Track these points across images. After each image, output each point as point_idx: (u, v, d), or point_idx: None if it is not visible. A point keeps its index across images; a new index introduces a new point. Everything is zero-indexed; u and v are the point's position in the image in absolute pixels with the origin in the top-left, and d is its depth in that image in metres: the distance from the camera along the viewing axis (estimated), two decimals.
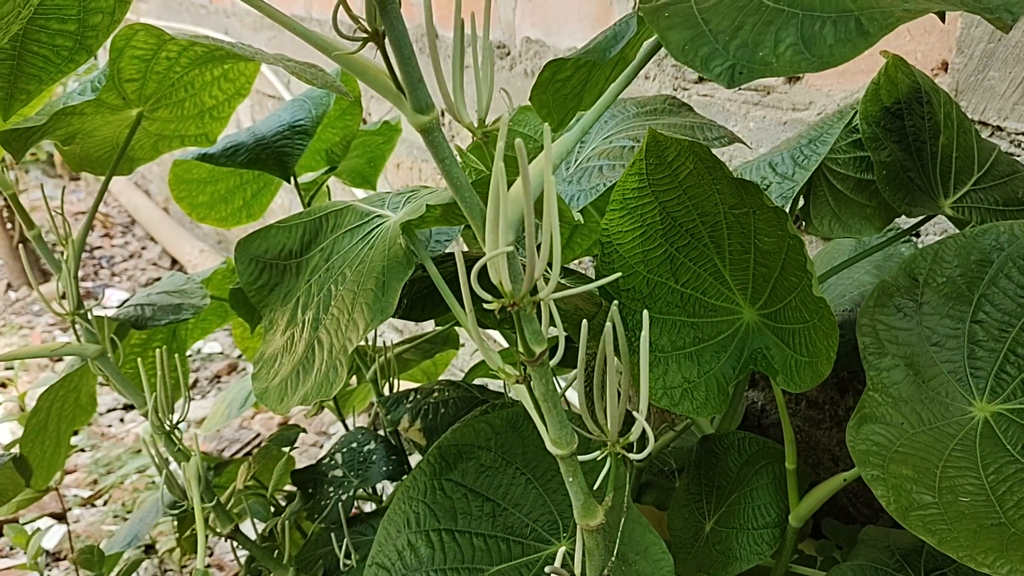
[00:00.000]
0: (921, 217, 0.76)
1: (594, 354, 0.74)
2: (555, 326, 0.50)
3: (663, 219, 0.71)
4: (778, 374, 0.68)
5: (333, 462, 1.17)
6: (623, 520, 0.67)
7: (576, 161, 0.95)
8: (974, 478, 0.59)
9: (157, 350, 0.85)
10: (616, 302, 0.52)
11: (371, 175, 1.40)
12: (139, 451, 2.17)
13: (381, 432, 1.20)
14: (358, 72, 0.45)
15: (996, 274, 0.65)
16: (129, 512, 2.01)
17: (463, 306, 0.46)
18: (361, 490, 1.12)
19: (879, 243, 0.78)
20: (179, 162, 1.08)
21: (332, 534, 0.96)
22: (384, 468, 1.14)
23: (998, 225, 0.66)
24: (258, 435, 2.37)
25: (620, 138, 0.91)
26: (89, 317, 0.86)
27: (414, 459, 1.22)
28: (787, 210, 0.77)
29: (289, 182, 1.03)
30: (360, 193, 1.85)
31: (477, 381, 1.35)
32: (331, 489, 1.13)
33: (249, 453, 2.41)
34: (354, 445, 1.19)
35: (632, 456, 0.53)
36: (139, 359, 0.89)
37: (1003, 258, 0.65)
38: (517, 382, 0.51)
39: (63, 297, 0.85)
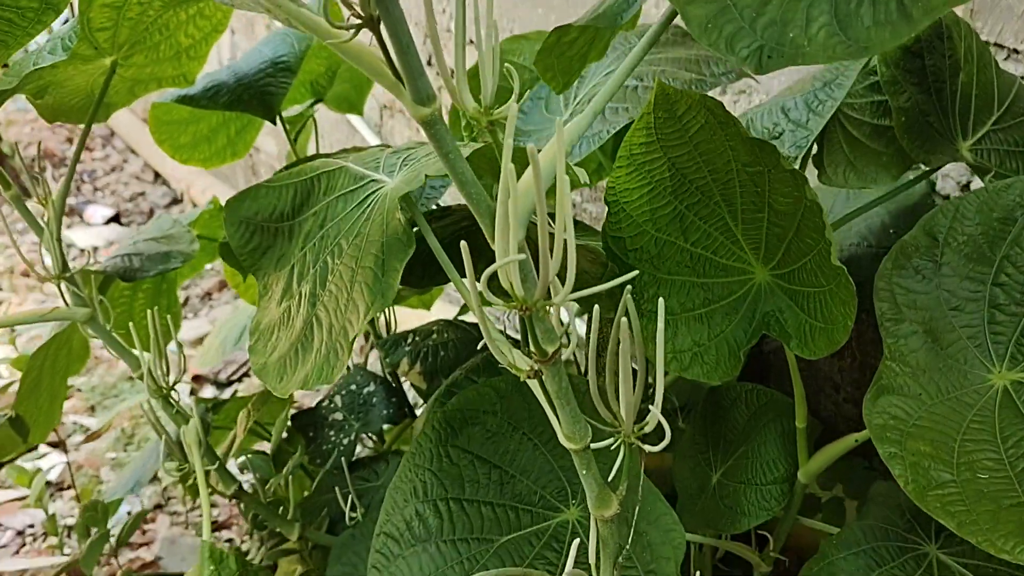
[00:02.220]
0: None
1: (605, 336, 0.72)
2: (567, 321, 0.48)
3: (672, 176, 0.67)
4: (792, 339, 0.66)
5: (332, 405, 1.16)
6: (631, 490, 0.66)
7: (576, 99, 0.90)
8: (993, 452, 0.57)
9: (149, 312, 0.82)
10: (629, 291, 0.49)
11: (358, 100, 1.34)
12: (131, 378, 2.16)
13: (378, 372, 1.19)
14: (354, 59, 0.42)
15: (1020, 233, 0.62)
16: (129, 441, 2.02)
17: (463, 274, 0.43)
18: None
19: (896, 188, 0.75)
20: (158, 105, 1.03)
21: (336, 487, 0.96)
22: (385, 411, 1.13)
23: (1017, 180, 0.63)
24: None
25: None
26: (76, 279, 0.83)
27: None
28: (801, 159, 0.73)
29: (275, 123, 0.99)
30: (356, 122, 1.79)
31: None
32: (332, 433, 1.12)
33: (246, 374, 2.41)
34: (353, 387, 1.18)
35: (647, 447, 0.51)
36: (130, 323, 0.86)
37: None
38: (529, 377, 0.49)
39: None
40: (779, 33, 0.39)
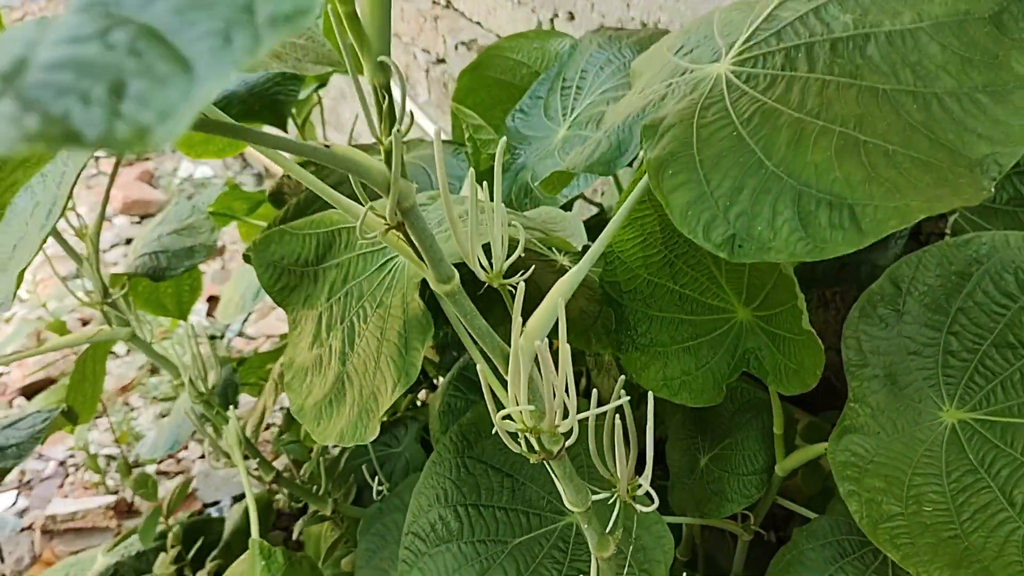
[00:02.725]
0: None
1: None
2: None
3: (663, 229, 0.74)
4: (769, 375, 0.74)
5: None
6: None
7: (575, 113, 0.95)
8: (937, 486, 0.67)
9: (186, 326, 0.90)
10: (621, 379, 0.57)
11: None
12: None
13: None
14: (392, 245, 0.48)
15: (973, 288, 0.69)
16: (154, 368, 2.13)
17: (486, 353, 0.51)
18: None
19: None
20: None
21: (360, 460, 1.06)
22: None
23: (980, 236, 0.70)
24: None
25: (617, 92, 0.91)
26: (117, 303, 0.90)
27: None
28: None
29: (285, 130, 1.04)
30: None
31: None
32: None
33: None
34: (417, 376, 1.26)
35: (639, 507, 0.60)
36: (167, 344, 0.94)
37: (981, 272, 0.69)
38: (541, 461, 0.58)
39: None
40: (748, 224, 0.46)
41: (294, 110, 1.14)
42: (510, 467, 0.83)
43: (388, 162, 0.42)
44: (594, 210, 1.20)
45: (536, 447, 0.55)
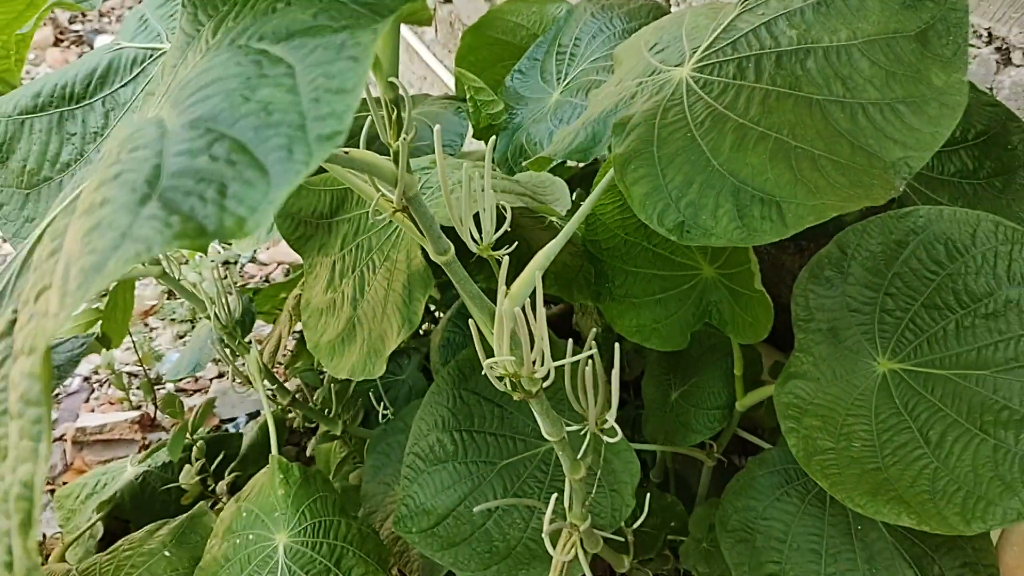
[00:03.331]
0: None
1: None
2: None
3: None
4: (728, 326, 0.84)
5: None
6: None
7: (568, 78, 1.03)
8: (866, 426, 0.77)
9: (211, 265, 1.00)
10: (594, 331, 0.68)
11: None
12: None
13: None
14: (398, 222, 0.58)
15: (909, 255, 0.79)
16: (170, 293, 2.23)
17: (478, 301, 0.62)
18: None
19: None
20: None
21: (368, 387, 1.18)
22: None
23: (918, 209, 0.79)
24: None
25: (606, 62, 0.99)
26: None
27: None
28: None
29: None
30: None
31: None
32: None
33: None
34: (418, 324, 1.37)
35: (606, 438, 0.71)
36: (186, 269, 1.04)
37: (916, 242, 0.78)
38: (522, 400, 0.68)
39: None
40: (695, 214, 0.55)
41: None
42: (500, 399, 0.94)
43: (396, 161, 0.51)
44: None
45: (518, 388, 0.66)
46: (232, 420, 1.78)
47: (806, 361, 0.80)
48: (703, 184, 0.56)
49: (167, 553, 1.02)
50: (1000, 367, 0.74)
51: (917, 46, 0.59)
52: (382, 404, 1.14)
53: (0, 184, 0.62)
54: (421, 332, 1.49)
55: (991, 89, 1.05)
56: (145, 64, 0.66)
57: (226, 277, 1.03)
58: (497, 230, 0.60)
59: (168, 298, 2.22)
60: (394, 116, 0.49)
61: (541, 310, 0.59)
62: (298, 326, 1.42)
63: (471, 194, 0.58)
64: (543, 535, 0.73)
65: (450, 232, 0.62)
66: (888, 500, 0.73)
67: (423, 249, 0.76)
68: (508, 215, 0.61)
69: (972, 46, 1.08)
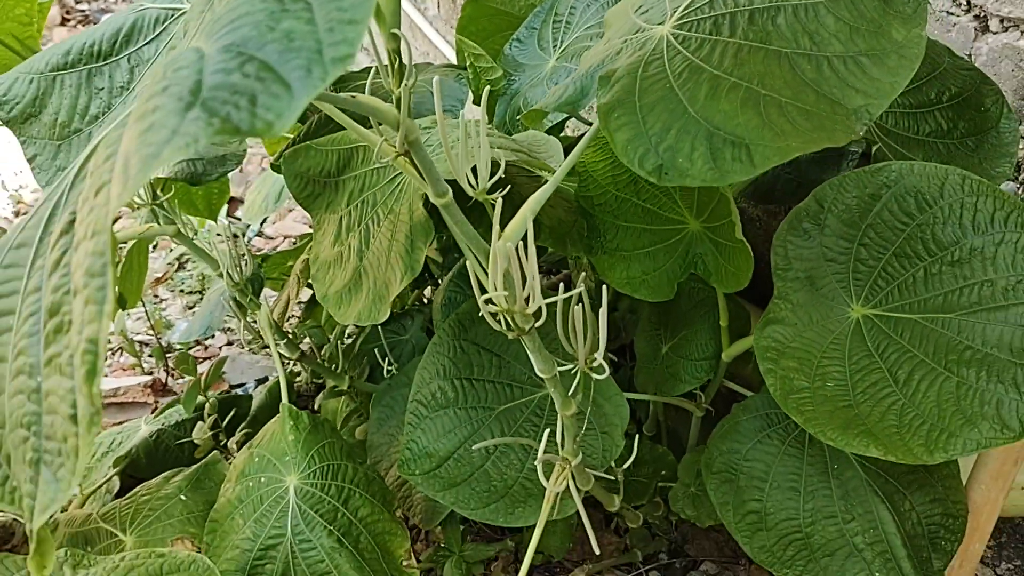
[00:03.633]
0: None
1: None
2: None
3: None
4: (712, 276, 0.90)
5: None
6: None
7: (563, 45, 1.08)
8: (840, 367, 0.83)
9: (220, 226, 1.05)
10: (583, 275, 0.73)
11: None
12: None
13: None
14: (400, 167, 0.63)
15: (882, 208, 0.84)
16: (182, 264, 2.29)
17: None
18: None
19: None
20: None
21: (373, 344, 1.23)
22: None
23: (891, 164, 0.84)
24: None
25: (599, 29, 1.04)
26: (164, 204, 1.05)
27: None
28: None
29: None
30: None
31: None
32: None
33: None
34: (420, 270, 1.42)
35: (595, 376, 0.76)
36: (209, 241, 1.09)
37: (889, 195, 0.83)
38: (516, 337, 0.73)
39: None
40: (672, 157, 0.60)
41: None
42: (498, 348, 0.99)
43: (399, 106, 0.56)
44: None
45: (512, 325, 0.71)
46: (241, 385, 1.83)
47: (784, 308, 0.85)
48: (680, 130, 0.61)
49: (183, 497, 1.08)
50: (964, 310, 0.80)
51: (879, 3, 0.63)
52: (386, 360, 1.19)
53: (34, 136, 0.67)
54: (424, 299, 1.54)
55: (970, 55, 1.10)
56: (167, 23, 0.71)
57: (236, 237, 1.08)
58: (492, 178, 0.65)
59: (177, 270, 2.27)
60: (396, 64, 0.54)
61: (532, 251, 0.64)
62: (307, 292, 1.48)
63: (468, 145, 0.63)
64: (535, 463, 0.78)
65: (454, 187, 0.67)
66: (857, 434, 0.78)
67: (424, 201, 0.81)
68: (502, 164, 0.66)
69: (952, 14, 1.12)
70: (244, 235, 2.41)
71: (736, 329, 1.02)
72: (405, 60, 0.53)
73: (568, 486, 0.83)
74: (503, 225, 0.66)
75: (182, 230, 1.07)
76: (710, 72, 0.62)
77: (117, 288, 1.23)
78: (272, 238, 2.45)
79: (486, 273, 0.70)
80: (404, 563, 1.00)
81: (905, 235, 0.83)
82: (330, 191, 0.95)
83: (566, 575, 1.26)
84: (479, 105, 1.12)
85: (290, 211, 2.55)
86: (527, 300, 0.67)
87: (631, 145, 0.61)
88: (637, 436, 1.22)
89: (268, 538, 0.96)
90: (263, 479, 1.00)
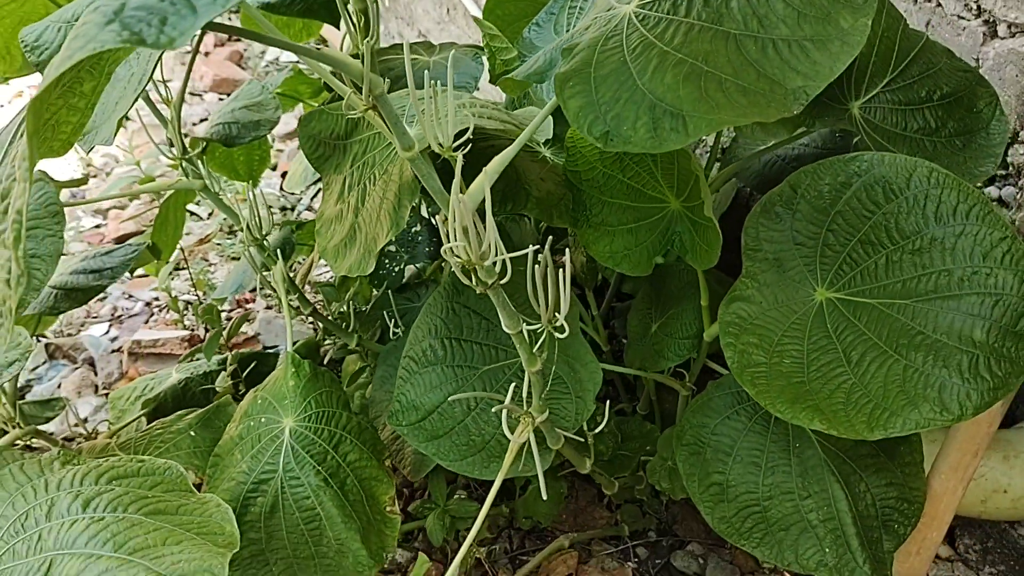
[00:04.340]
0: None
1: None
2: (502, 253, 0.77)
3: None
4: (688, 253, 0.94)
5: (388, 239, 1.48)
6: (571, 344, 0.97)
7: (574, 27, 1.13)
8: (798, 346, 0.86)
9: (247, 186, 1.13)
10: (549, 245, 0.78)
11: None
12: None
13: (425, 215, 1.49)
14: (369, 119, 0.69)
15: (851, 196, 0.87)
16: (231, 231, 2.40)
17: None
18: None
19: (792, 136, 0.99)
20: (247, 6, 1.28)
21: (385, 308, 1.30)
22: (428, 248, 1.45)
23: (863, 154, 0.87)
24: None
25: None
26: (193, 160, 1.13)
27: None
28: None
29: (337, 26, 1.24)
30: None
31: None
32: (387, 261, 1.45)
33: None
34: (405, 226, 1.49)
35: (556, 334, 0.81)
36: (238, 200, 1.17)
37: (859, 184, 0.87)
38: (482, 291, 0.79)
39: (171, 145, 1.12)
40: (618, 125, 0.65)
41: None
42: (488, 312, 1.04)
43: (364, 63, 0.62)
44: None
45: (476, 279, 0.77)
46: (274, 347, 1.92)
47: (751, 286, 0.89)
48: (627, 100, 0.66)
49: (192, 434, 1.16)
50: (920, 297, 0.82)
51: None
52: (393, 322, 1.26)
53: None
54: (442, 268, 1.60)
55: (977, 59, 1.12)
56: None
57: (258, 189, 1.15)
58: (461, 139, 0.71)
59: (229, 236, 2.38)
60: (361, 23, 0.60)
61: (489, 209, 0.69)
62: None
63: (435, 106, 0.69)
64: (494, 411, 0.83)
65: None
66: (805, 408, 0.82)
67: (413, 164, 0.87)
68: (470, 127, 0.71)
69: (962, 18, 1.14)
70: (294, 208, 2.51)
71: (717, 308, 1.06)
72: (370, 3, 0.59)
73: (531, 439, 0.88)
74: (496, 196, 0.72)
75: (209, 186, 1.15)
76: (660, 48, 0.67)
77: (151, 238, 1.32)
78: None
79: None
80: (387, 509, 1.07)
81: (871, 223, 0.86)
82: (339, 153, 1.02)
83: (551, 540, 1.30)
84: (494, 84, 1.18)
85: None
86: (486, 256, 0.73)
87: (582, 112, 0.67)
88: (630, 413, 1.27)
89: (261, 473, 1.03)
90: (263, 419, 1.07)
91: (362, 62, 0.62)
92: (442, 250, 0.72)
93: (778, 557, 0.93)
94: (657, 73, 0.65)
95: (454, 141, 0.71)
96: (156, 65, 0.72)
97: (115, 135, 0.80)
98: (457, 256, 0.73)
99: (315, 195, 2.66)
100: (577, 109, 0.67)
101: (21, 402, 1.36)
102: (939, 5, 1.15)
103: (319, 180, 2.70)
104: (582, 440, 1.01)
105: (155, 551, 0.62)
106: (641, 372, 1.12)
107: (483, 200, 0.71)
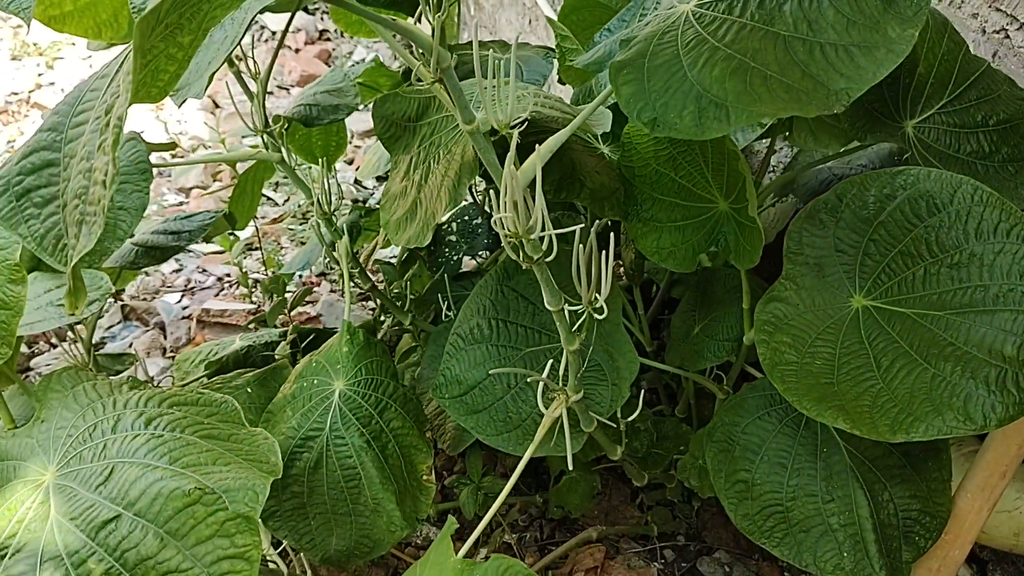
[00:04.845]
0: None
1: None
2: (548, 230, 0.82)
3: None
4: (731, 253, 0.97)
5: (449, 229, 1.55)
6: (611, 333, 1.01)
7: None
8: (831, 349, 0.88)
9: (320, 161, 1.20)
10: (595, 230, 0.82)
11: None
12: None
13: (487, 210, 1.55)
14: (436, 93, 0.74)
15: (895, 208, 0.89)
16: (304, 218, 2.50)
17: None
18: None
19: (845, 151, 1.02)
20: None
21: (440, 292, 1.35)
22: (486, 240, 1.50)
23: (910, 168, 0.89)
24: None
25: None
26: (273, 132, 1.21)
27: None
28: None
29: (413, 15, 1.30)
30: None
31: None
32: (446, 250, 1.51)
33: None
34: (466, 218, 1.55)
35: (595, 315, 0.86)
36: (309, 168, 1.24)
37: (903, 196, 0.89)
38: (528, 266, 0.83)
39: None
40: (665, 112, 0.69)
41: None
42: (535, 297, 1.09)
43: (434, 36, 0.67)
44: None
45: (523, 253, 0.81)
46: (334, 329, 2.00)
47: (789, 288, 0.92)
48: (676, 90, 0.70)
49: (249, 391, 1.23)
50: (955, 310, 0.84)
51: (881, 2, 0.70)
52: (446, 305, 1.31)
53: None
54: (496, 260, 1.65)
55: None
56: None
57: (334, 176, 1.22)
58: (519, 119, 0.76)
59: (301, 222, 2.48)
60: (435, 1, 0.66)
61: (539, 186, 0.74)
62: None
63: (498, 96, 0.74)
64: (531, 381, 0.87)
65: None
66: (831, 407, 0.84)
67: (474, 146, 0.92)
68: (529, 108, 0.76)
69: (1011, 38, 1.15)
70: (365, 201, 2.59)
71: None
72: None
73: (564, 416, 0.92)
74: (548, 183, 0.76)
75: (286, 159, 1.22)
76: (712, 44, 0.71)
77: (229, 208, 1.40)
78: None
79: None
80: (424, 477, 1.11)
81: (912, 235, 0.88)
82: (408, 134, 1.07)
83: (581, 532, 1.34)
84: (563, 85, 1.23)
85: None
86: (532, 230, 0.77)
87: (633, 98, 0.71)
88: (669, 415, 1.30)
89: (309, 430, 1.09)
90: (315, 381, 1.13)
91: (432, 36, 0.67)
92: (492, 220, 0.77)
93: (797, 557, 0.95)
94: (707, 66, 0.69)
95: (513, 124, 0.77)
96: (247, 29, 0.79)
97: (205, 91, 0.87)
98: (505, 229, 0.78)
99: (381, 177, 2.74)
100: (628, 95, 0.71)
101: (96, 353, 1.45)
102: (1007, 37, 1.16)
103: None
104: (615, 426, 1.04)
105: (205, 468, 0.68)
106: (680, 370, 1.15)
107: (534, 178, 0.76)
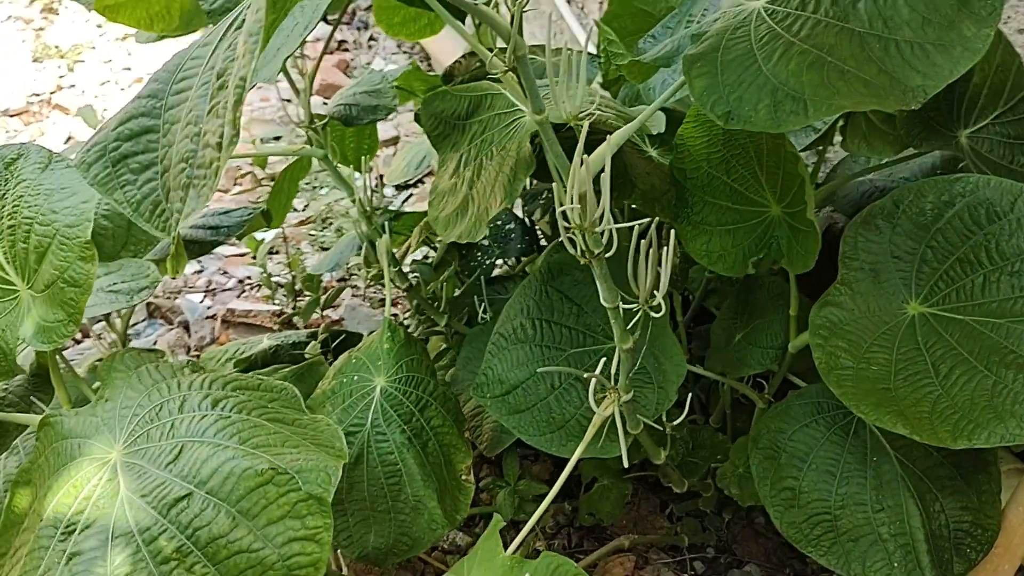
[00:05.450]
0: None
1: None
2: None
3: (724, 132, 0.96)
4: (784, 258, 0.97)
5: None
6: (659, 336, 1.00)
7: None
8: (887, 354, 0.88)
9: (362, 160, 1.20)
10: (653, 233, 0.82)
11: None
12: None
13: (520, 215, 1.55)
14: (505, 83, 0.74)
15: (954, 215, 0.89)
16: (325, 224, 2.50)
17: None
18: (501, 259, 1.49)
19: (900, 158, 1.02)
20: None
21: (475, 295, 1.35)
22: (519, 245, 1.50)
23: (968, 176, 0.89)
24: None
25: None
26: (318, 128, 1.21)
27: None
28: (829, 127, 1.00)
29: (463, 23, 1.30)
30: None
31: None
32: (479, 254, 1.51)
33: (421, 181, 2.84)
34: (499, 222, 1.55)
35: (652, 313, 0.85)
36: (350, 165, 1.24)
37: (962, 204, 0.89)
38: (586, 262, 0.83)
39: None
40: (740, 106, 0.69)
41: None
42: (579, 298, 1.08)
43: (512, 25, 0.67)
44: None
45: (583, 248, 0.81)
46: (361, 334, 1.99)
47: (845, 293, 0.91)
48: (750, 83, 0.70)
49: None
50: (1015, 318, 0.84)
51: (955, 2, 0.70)
52: (482, 308, 1.30)
53: None
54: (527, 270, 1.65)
55: None
56: None
57: (371, 170, 1.22)
58: (585, 112, 0.76)
59: (322, 229, 2.48)
60: None
61: (607, 180, 0.74)
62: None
63: (569, 90, 0.74)
64: (585, 376, 0.87)
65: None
66: (889, 412, 0.83)
67: (531, 139, 0.92)
68: (595, 104, 0.76)
69: None
70: (387, 208, 2.59)
71: (806, 324, 1.08)
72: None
73: (616, 414, 0.92)
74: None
75: (329, 156, 1.22)
76: (786, 39, 0.71)
77: (267, 204, 1.40)
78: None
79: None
80: (463, 477, 1.10)
81: (971, 243, 0.88)
82: (457, 132, 1.07)
83: (609, 540, 1.32)
84: (606, 89, 1.23)
85: None
86: (596, 224, 0.77)
87: (707, 92, 0.71)
88: (703, 424, 1.29)
89: (350, 425, 1.08)
90: (356, 377, 1.12)
91: (512, 23, 0.67)
92: (556, 212, 0.77)
93: (845, 567, 0.94)
94: (782, 60, 0.69)
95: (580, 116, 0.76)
96: (320, 17, 0.79)
97: (276, 75, 0.87)
98: (567, 223, 0.78)
99: (406, 199, 2.75)
100: (702, 89, 0.71)
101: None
102: None
103: (416, 182, 2.79)
104: (660, 429, 1.03)
105: (275, 449, 0.67)
106: (720, 377, 1.15)
107: (600, 171, 0.76)
